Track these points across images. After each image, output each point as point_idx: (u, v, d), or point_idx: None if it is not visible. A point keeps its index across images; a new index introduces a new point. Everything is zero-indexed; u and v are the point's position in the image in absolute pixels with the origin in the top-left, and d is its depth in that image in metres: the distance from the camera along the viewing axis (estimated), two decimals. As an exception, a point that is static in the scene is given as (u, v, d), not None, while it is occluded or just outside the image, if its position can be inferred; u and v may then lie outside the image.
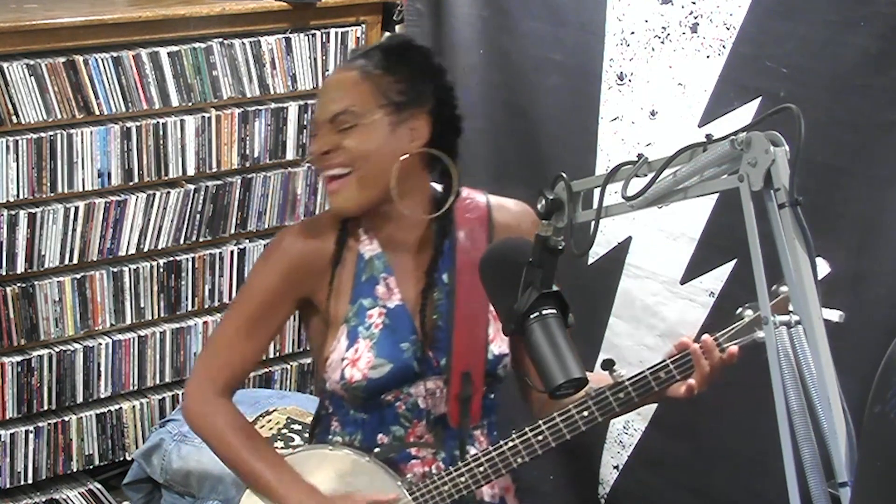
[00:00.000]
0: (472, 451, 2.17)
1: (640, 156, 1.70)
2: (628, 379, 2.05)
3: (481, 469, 2.09)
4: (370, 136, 2.05)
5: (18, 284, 2.98)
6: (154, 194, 3.11)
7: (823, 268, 1.86)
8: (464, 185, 2.19)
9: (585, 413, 2.06)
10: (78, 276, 3.06)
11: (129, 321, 3.17)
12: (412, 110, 2.08)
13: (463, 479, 2.09)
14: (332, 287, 2.14)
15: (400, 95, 2.07)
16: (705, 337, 2.01)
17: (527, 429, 2.08)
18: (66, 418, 3.12)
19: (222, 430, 2.17)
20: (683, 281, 2.83)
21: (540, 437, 2.07)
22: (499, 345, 2.17)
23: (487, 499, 2.21)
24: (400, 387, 2.13)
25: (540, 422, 2.07)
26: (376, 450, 2.15)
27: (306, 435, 3.03)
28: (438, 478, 2.11)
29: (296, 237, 2.16)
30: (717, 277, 2.76)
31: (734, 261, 2.72)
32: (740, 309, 2.06)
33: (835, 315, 1.75)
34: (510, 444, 2.08)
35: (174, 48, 3.06)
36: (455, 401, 2.15)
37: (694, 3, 2.73)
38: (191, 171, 3.16)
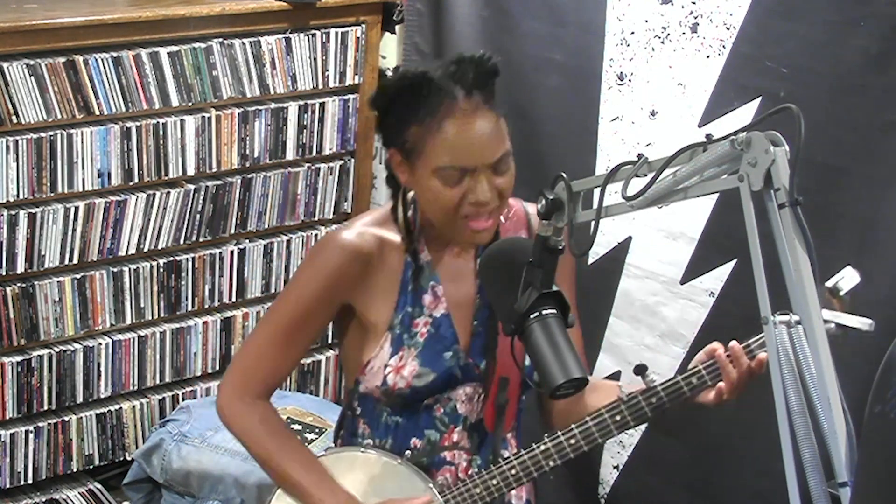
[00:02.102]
0: (506, 454, 2.18)
1: (640, 156, 1.70)
2: (661, 384, 2.04)
3: (513, 472, 2.08)
4: (513, 171, 2.06)
5: (18, 284, 2.98)
6: (154, 194, 3.11)
7: (854, 278, 1.86)
8: None
9: (618, 417, 2.06)
10: (78, 276, 3.06)
11: (129, 321, 3.17)
12: None
13: (495, 481, 2.09)
14: (378, 294, 2.12)
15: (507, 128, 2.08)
16: (733, 344, 2.02)
17: (559, 432, 2.08)
18: (66, 418, 3.12)
19: (257, 431, 2.14)
20: (683, 281, 2.83)
21: (572, 441, 2.07)
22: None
23: (515, 501, 2.22)
24: (442, 392, 2.13)
25: (573, 425, 2.07)
26: (407, 453, 2.15)
27: (306, 435, 3.04)
28: (470, 480, 2.11)
29: (343, 245, 2.11)
30: (717, 277, 2.76)
31: (734, 261, 2.72)
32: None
33: (864, 323, 1.75)
34: (542, 447, 2.08)
35: (174, 48, 3.05)
36: (492, 406, 2.16)
37: (694, 3, 2.73)
38: (191, 171, 3.15)
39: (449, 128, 1.99)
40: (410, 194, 2.14)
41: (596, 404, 2.10)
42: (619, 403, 2.05)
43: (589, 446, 2.07)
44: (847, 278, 1.84)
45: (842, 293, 1.83)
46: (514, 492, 2.17)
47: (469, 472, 2.16)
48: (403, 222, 2.13)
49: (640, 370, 2.04)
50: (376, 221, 2.15)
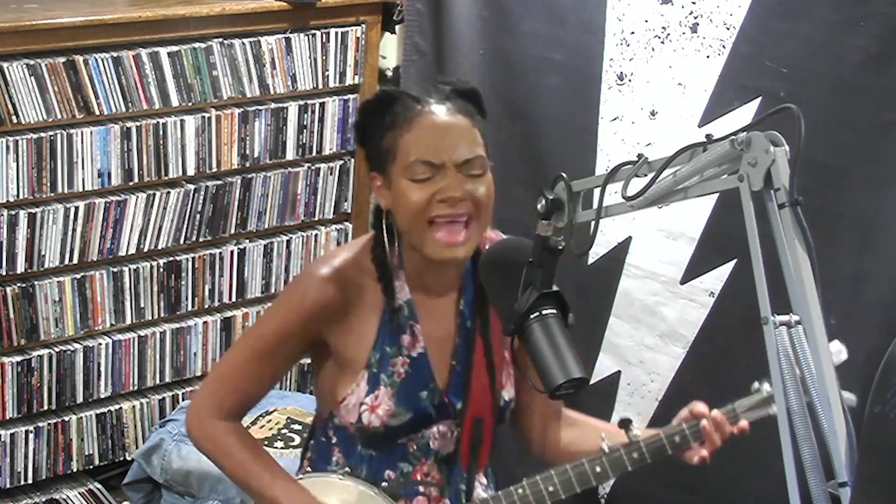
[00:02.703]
0: (479, 488, 2.18)
1: (640, 156, 1.70)
2: (644, 440, 2.08)
3: None
4: (490, 186, 2.02)
5: (18, 284, 2.97)
6: (154, 194, 3.11)
7: (842, 354, 1.88)
8: None
9: (598, 469, 2.09)
10: (78, 276, 3.06)
11: (129, 321, 3.17)
12: None
13: None
14: (355, 331, 2.10)
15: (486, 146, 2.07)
16: (716, 413, 2.09)
17: (538, 477, 2.08)
18: (66, 418, 3.12)
19: (230, 448, 2.12)
20: (683, 281, 2.83)
21: (550, 488, 2.08)
22: (508, 390, 2.18)
23: None
24: (415, 431, 2.13)
25: (552, 471, 2.08)
26: (384, 483, 2.14)
27: (306, 435, 3.04)
28: None
29: (323, 283, 2.07)
30: (717, 277, 2.76)
31: (734, 261, 2.72)
32: (756, 384, 2.10)
33: (848, 399, 1.75)
34: (520, 490, 2.08)
35: (174, 48, 3.05)
36: (467, 445, 2.15)
37: (694, 3, 2.73)
38: (191, 171, 3.15)
39: (420, 124, 2.00)
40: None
41: (579, 443, 2.16)
42: (600, 455, 2.08)
43: (566, 494, 2.09)
44: (835, 354, 1.86)
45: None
46: None
47: (440, 502, 2.15)
48: (380, 257, 2.09)
49: (625, 424, 2.08)
50: (355, 257, 2.11)
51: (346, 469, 2.16)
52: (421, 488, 2.15)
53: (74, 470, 3.17)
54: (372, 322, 2.10)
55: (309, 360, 3.44)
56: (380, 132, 2.04)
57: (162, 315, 3.22)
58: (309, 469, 2.22)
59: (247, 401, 2.19)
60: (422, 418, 2.11)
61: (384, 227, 2.09)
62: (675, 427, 2.11)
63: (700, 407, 2.09)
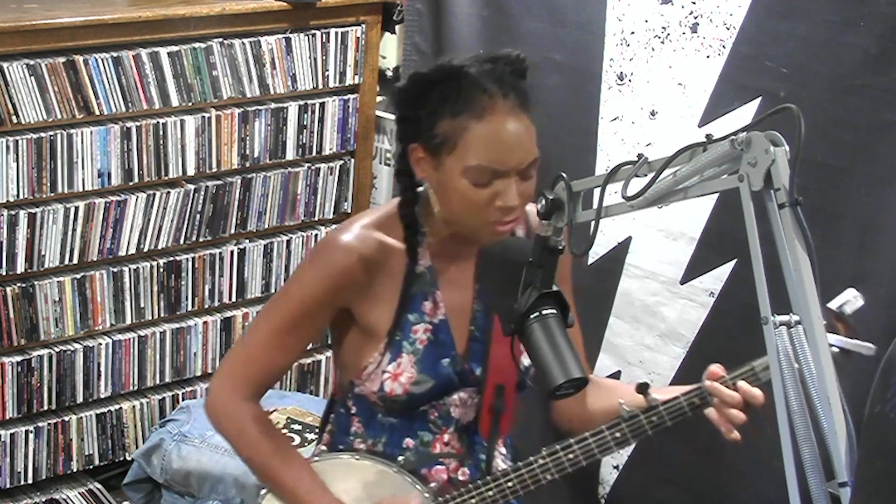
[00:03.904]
0: (498, 459, 2.18)
1: (640, 156, 1.70)
2: (663, 403, 2.05)
3: (510, 485, 2.09)
4: (535, 182, 2.01)
5: (18, 284, 2.98)
6: (154, 194, 3.11)
7: (857, 300, 1.86)
8: None
9: (618, 434, 2.07)
10: (78, 276, 3.06)
11: (129, 321, 3.17)
12: None
13: (491, 493, 2.09)
14: (378, 299, 2.10)
15: None
16: (715, 368, 2.03)
17: (557, 446, 2.08)
18: (66, 418, 3.12)
19: (248, 432, 2.12)
20: (683, 281, 2.83)
21: (570, 455, 2.07)
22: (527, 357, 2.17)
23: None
24: (438, 398, 2.13)
25: (571, 440, 2.07)
26: (400, 458, 2.14)
27: (307, 434, 3.04)
28: (466, 491, 2.10)
29: (346, 249, 2.06)
30: (717, 277, 2.76)
31: (734, 261, 2.72)
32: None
33: (866, 348, 1.74)
34: (540, 460, 2.08)
35: (174, 48, 3.06)
36: (488, 412, 2.15)
37: (694, 3, 2.73)
38: (191, 171, 3.16)
39: (487, 126, 1.95)
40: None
41: (610, 405, 2.12)
42: (619, 420, 2.06)
43: (587, 461, 2.08)
44: (851, 301, 1.84)
45: (846, 316, 1.83)
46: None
47: (459, 472, 2.16)
48: (411, 220, 2.09)
49: (643, 388, 2.05)
50: (376, 224, 2.10)
51: (359, 440, 2.16)
52: (441, 459, 2.15)
53: (74, 470, 3.18)
54: (394, 290, 2.09)
55: (309, 361, 3.49)
56: (436, 112, 1.98)
57: (162, 315, 3.22)
58: (324, 448, 2.22)
59: (273, 375, 2.18)
60: (444, 385, 2.11)
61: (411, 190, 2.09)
62: (693, 389, 2.05)
63: (716, 369, 2.04)
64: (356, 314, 2.12)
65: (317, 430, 3.05)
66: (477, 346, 2.14)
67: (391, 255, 2.09)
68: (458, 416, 2.15)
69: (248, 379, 2.12)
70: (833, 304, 1.81)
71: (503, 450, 2.23)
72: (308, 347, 3.10)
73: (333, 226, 3.44)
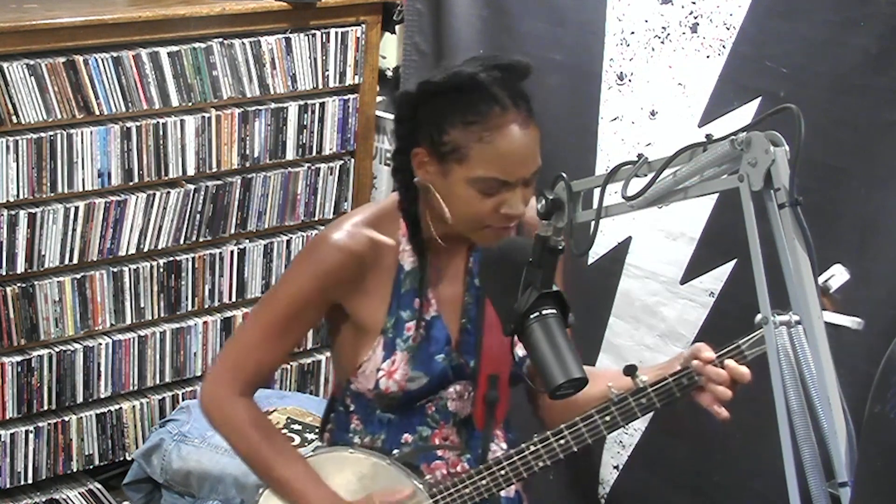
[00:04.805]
0: (494, 447, 2.19)
1: (640, 156, 1.70)
2: (651, 385, 2.04)
3: (503, 473, 2.09)
4: (534, 188, 2.02)
5: (18, 284, 2.98)
6: (154, 194, 3.11)
7: (843, 275, 1.86)
8: None
9: (608, 418, 2.05)
10: (78, 276, 3.06)
11: (129, 321, 3.17)
12: None
13: (484, 482, 2.10)
14: (370, 296, 2.11)
15: None
16: (699, 345, 2.02)
17: (549, 433, 2.07)
18: (66, 418, 3.12)
19: (243, 427, 2.13)
20: (683, 281, 2.83)
21: (562, 441, 2.06)
22: (522, 347, 2.17)
23: (503, 494, 2.22)
24: (434, 393, 2.14)
25: (562, 426, 2.07)
26: (395, 452, 2.14)
27: (307, 435, 3.04)
28: (459, 480, 2.11)
29: (339, 246, 2.08)
30: (717, 277, 2.76)
31: (734, 261, 2.72)
32: (759, 316, 2.03)
33: (853, 322, 1.74)
34: (531, 447, 2.08)
35: (174, 48, 3.06)
36: (482, 403, 2.16)
37: (694, 3, 2.73)
38: (191, 171, 3.16)
39: (500, 140, 1.96)
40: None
41: (592, 393, 2.09)
42: (609, 404, 2.05)
43: (579, 447, 2.07)
44: (837, 276, 1.84)
45: (831, 291, 1.83)
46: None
47: (458, 466, 2.17)
48: (413, 217, 2.09)
49: (630, 370, 2.04)
50: (368, 221, 2.11)
51: (358, 437, 2.17)
52: (439, 453, 2.16)
53: (74, 470, 3.18)
54: (386, 287, 2.11)
55: (309, 361, 3.49)
56: (447, 118, 1.98)
57: (162, 315, 3.22)
58: (322, 445, 2.23)
59: (266, 372, 2.20)
60: (439, 380, 2.12)
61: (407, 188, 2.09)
62: (682, 370, 2.03)
63: (701, 346, 2.03)
64: (350, 312, 2.13)
65: (317, 430, 3.05)
66: (469, 337, 2.15)
67: (383, 253, 2.10)
68: (455, 410, 2.16)
69: (241, 375, 2.14)
70: (819, 280, 1.81)
71: (504, 445, 2.23)
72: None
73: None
